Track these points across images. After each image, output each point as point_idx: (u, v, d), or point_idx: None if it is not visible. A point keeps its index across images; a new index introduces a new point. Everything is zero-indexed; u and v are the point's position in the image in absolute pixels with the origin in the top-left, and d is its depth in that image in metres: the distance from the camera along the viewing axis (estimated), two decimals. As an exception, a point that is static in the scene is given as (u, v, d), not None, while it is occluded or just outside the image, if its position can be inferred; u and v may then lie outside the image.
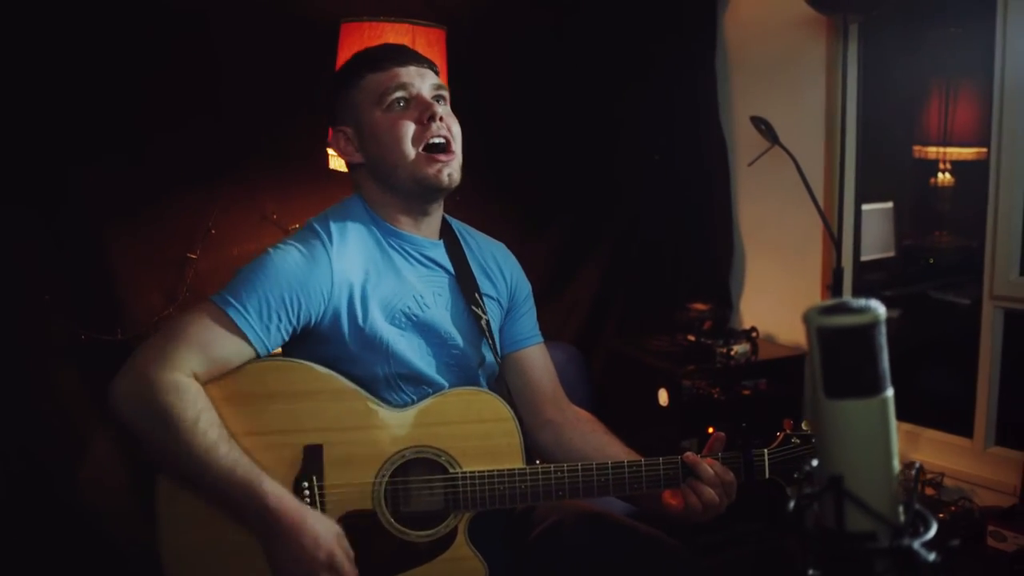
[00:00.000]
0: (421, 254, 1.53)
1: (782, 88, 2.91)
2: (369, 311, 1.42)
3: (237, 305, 1.34)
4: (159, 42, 2.23)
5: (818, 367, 0.69)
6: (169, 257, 2.32)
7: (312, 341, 1.42)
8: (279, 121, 2.38)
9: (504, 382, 1.63)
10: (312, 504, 1.33)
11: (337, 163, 2.30)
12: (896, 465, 0.70)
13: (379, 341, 1.43)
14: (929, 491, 2.42)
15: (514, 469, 1.39)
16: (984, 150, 2.80)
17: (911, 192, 3.47)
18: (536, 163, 2.86)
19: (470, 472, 1.39)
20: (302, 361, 1.39)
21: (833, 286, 2.63)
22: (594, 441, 1.58)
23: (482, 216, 1.86)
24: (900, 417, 0.71)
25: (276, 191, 2.43)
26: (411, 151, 1.45)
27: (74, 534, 2.16)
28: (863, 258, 2.92)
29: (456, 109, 1.55)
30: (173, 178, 2.28)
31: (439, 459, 1.39)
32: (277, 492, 1.28)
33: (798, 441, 1.46)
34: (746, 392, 2.71)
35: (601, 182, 3.03)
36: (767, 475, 1.45)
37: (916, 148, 3.36)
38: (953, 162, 3.27)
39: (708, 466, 1.40)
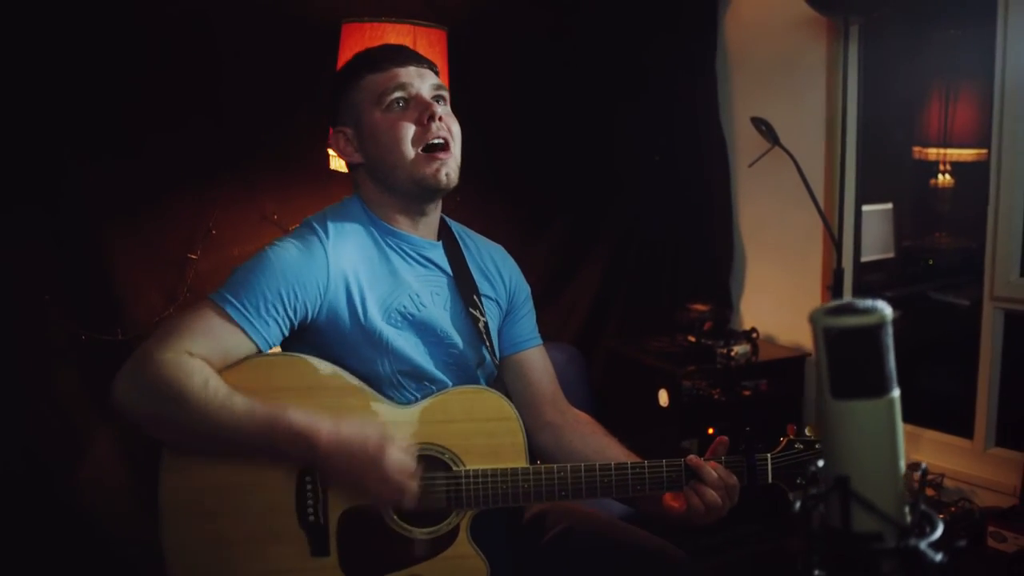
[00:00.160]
0: (419, 254, 1.53)
1: (782, 89, 2.91)
2: (368, 309, 1.42)
3: (234, 301, 1.34)
4: (160, 42, 2.23)
5: (824, 368, 0.69)
6: (169, 257, 2.32)
7: (311, 337, 1.42)
8: (279, 121, 2.38)
9: (503, 384, 1.63)
10: (314, 499, 1.33)
11: (338, 164, 2.30)
12: (902, 466, 0.70)
13: (378, 338, 1.43)
14: (929, 492, 2.42)
15: (517, 468, 1.39)
16: (984, 151, 2.81)
17: (911, 193, 3.47)
18: (536, 164, 2.86)
19: (473, 470, 1.39)
20: (308, 356, 1.39)
21: (833, 287, 2.63)
22: (594, 443, 1.58)
23: (482, 216, 1.86)
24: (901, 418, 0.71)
25: (277, 191, 2.43)
26: (410, 152, 1.45)
27: (74, 534, 2.15)
28: (862, 259, 2.92)
29: (456, 110, 1.54)
30: (173, 178, 2.28)
31: (442, 457, 1.39)
32: (303, 416, 1.27)
33: (801, 447, 1.46)
34: (746, 393, 2.71)
35: (601, 183, 3.03)
36: (770, 480, 1.45)
37: (916, 149, 3.36)
38: (953, 163, 3.27)
39: (711, 469, 1.40)
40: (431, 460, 1.40)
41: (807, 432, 1.48)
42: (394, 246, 1.50)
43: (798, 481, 1.43)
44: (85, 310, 2.19)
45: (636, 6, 2.94)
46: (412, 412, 1.41)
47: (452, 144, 1.48)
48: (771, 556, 2.61)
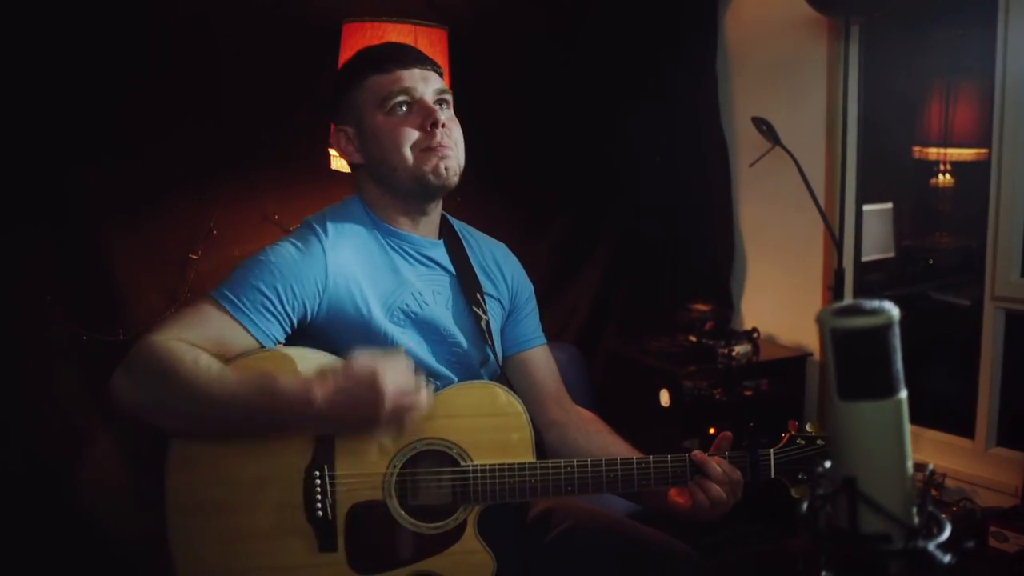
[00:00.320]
0: (420, 253, 1.53)
1: (783, 89, 2.91)
2: (371, 308, 1.43)
3: (231, 296, 1.35)
4: (160, 43, 2.22)
5: (832, 369, 0.69)
6: (170, 257, 2.31)
7: (314, 336, 1.42)
8: (280, 121, 2.38)
9: (508, 383, 1.63)
10: (323, 494, 1.33)
11: (339, 164, 2.29)
12: (910, 467, 0.70)
13: (382, 335, 1.43)
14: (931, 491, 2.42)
15: (524, 464, 1.39)
16: (984, 151, 2.81)
17: (911, 193, 3.47)
18: (536, 164, 2.86)
19: (480, 465, 1.38)
20: (316, 351, 1.39)
21: (834, 287, 2.63)
22: (598, 441, 1.59)
23: (483, 217, 1.86)
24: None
25: (277, 191, 2.43)
26: (411, 156, 1.45)
27: (75, 534, 2.15)
28: (863, 259, 2.92)
29: (456, 110, 1.54)
30: (174, 178, 2.28)
31: (450, 451, 1.39)
32: (293, 379, 1.26)
33: (802, 442, 1.47)
34: (747, 393, 2.71)
35: (602, 183, 3.03)
36: (772, 475, 1.46)
37: (916, 149, 3.36)
38: (953, 163, 3.27)
39: (716, 464, 1.41)
40: (438, 455, 1.39)
41: (808, 428, 1.49)
42: (395, 246, 1.51)
43: (800, 476, 1.46)
44: (86, 310, 2.19)
45: (637, 6, 2.94)
46: None
47: (453, 149, 1.48)
48: (772, 556, 2.62)
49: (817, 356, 2.83)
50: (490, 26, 2.70)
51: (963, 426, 2.57)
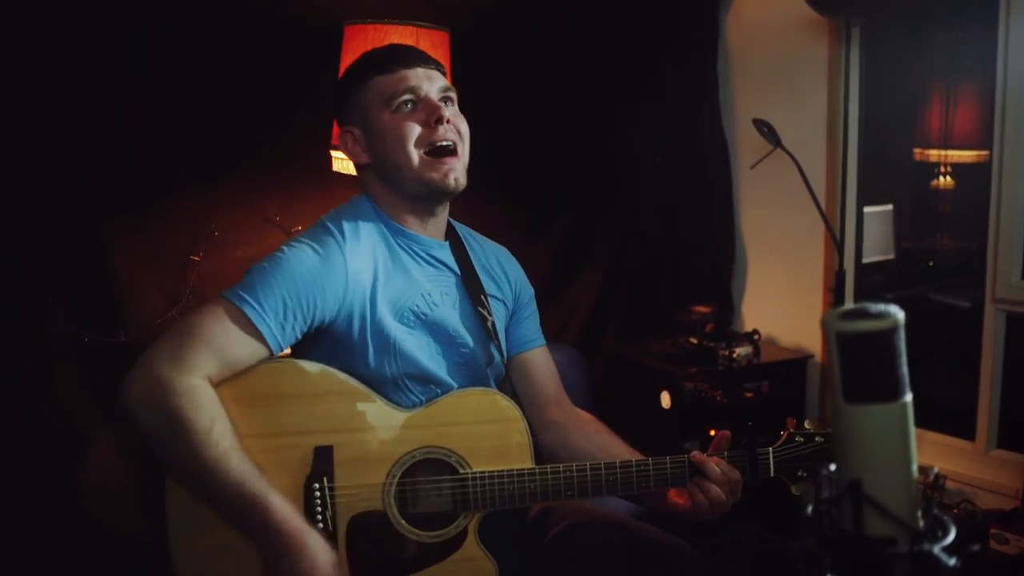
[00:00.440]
0: (428, 254, 1.53)
1: (784, 91, 2.91)
2: (378, 309, 1.42)
3: (253, 303, 1.33)
4: (161, 44, 2.22)
5: (837, 372, 0.69)
6: (171, 259, 2.31)
7: (323, 340, 1.42)
8: (280, 122, 2.38)
9: (509, 383, 1.63)
10: (323, 506, 1.33)
11: (340, 165, 2.29)
12: (915, 470, 0.70)
13: (387, 339, 1.43)
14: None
15: (523, 469, 1.39)
16: (985, 153, 2.81)
17: (911, 194, 3.48)
18: (537, 165, 2.86)
19: (480, 472, 1.38)
20: (313, 363, 1.39)
21: (835, 289, 2.63)
22: (598, 442, 1.59)
23: (483, 217, 1.87)
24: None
25: (278, 192, 2.42)
26: (415, 153, 1.45)
27: (75, 535, 2.15)
28: (863, 261, 2.92)
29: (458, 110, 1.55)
30: (175, 180, 2.28)
31: (449, 459, 1.39)
32: (284, 510, 1.26)
33: (801, 440, 1.48)
34: (748, 395, 2.71)
35: (603, 184, 3.02)
36: (772, 473, 1.46)
37: (917, 151, 3.36)
38: (954, 165, 3.27)
39: (715, 464, 1.41)
40: (437, 463, 1.39)
41: (806, 426, 1.50)
42: (404, 246, 1.51)
43: (800, 474, 1.46)
44: (87, 312, 2.18)
45: (637, 8, 2.94)
46: (418, 416, 1.41)
47: (460, 146, 1.49)
48: (772, 557, 2.61)
49: (818, 358, 2.83)
50: (490, 27, 2.70)
51: (964, 428, 2.57)
